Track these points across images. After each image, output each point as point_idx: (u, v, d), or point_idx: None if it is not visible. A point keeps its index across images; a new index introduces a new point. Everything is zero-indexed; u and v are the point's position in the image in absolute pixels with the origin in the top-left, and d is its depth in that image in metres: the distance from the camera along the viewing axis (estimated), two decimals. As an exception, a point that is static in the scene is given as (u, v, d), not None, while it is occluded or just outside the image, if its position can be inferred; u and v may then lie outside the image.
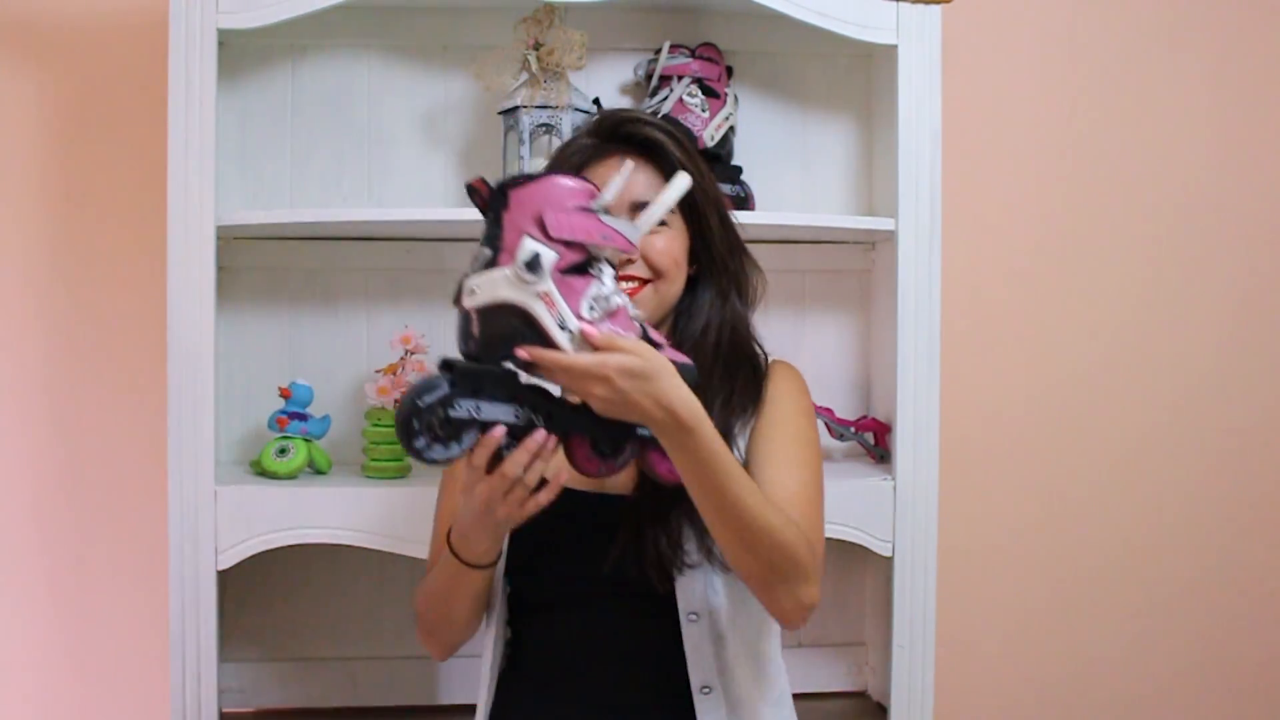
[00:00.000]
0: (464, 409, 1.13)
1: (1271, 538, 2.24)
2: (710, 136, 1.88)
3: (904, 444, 1.82)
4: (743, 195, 1.91)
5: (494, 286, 1.13)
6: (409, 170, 1.93)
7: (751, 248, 1.45)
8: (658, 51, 1.89)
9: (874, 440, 1.94)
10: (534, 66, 1.78)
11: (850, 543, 1.82)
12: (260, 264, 1.91)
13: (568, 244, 1.13)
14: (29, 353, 1.97)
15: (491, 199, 1.14)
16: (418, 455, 1.13)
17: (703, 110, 1.88)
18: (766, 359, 1.45)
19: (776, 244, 1.97)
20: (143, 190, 1.92)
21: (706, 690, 1.32)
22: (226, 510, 1.69)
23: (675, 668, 1.33)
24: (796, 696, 1.51)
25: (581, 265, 1.15)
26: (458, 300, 1.15)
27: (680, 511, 1.29)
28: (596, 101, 1.86)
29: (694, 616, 1.31)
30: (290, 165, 1.92)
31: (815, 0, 1.78)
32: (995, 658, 2.18)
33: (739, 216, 1.80)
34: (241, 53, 1.86)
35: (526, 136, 1.77)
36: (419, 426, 1.12)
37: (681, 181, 1.21)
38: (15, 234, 1.96)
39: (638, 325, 1.19)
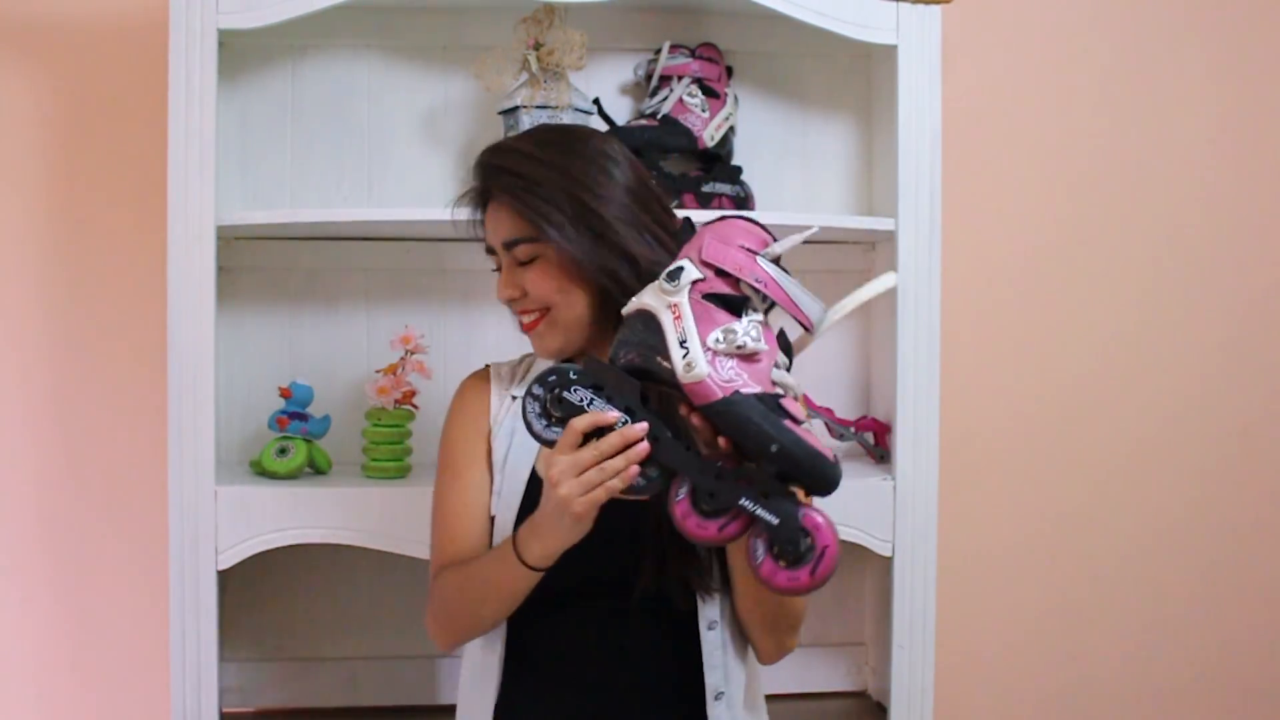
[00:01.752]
0: (578, 396, 1.15)
1: (1274, 540, 2.24)
2: (710, 136, 1.88)
3: (904, 444, 1.82)
4: (743, 195, 1.91)
5: (642, 295, 1.17)
6: (409, 170, 1.93)
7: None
8: (658, 51, 1.89)
9: (874, 440, 1.94)
10: (534, 66, 1.78)
11: (850, 543, 1.81)
12: (260, 264, 1.91)
13: (719, 273, 1.14)
14: (30, 353, 1.97)
15: (682, 230, 1.19)
16: (527, 423, 1.18)
17: (703, 110, 1.88)
18: None
19: (776, 244, 1.97)
20: (143, 190, 1.92)
21: (719, 695, 1.32)
22: (226, 510, 1.69)
23: (688, 673, 1.33)
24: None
25: (733, 302, 1.14)
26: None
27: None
28: (596, 101, 1.86)
29: (713, 625, 1.33)
30: (290, 165, 1.92)
31: (815, 0, 1.78)
32: (995, 658, 2.18)
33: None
34: (241, 53, 1.86)
35: (526, 136, 1.77)
36: (537, 394, 1.17)
37: (884, 281, 1.20)
38: (15, 234, 1.96)
39: (776, 385, 1.12)
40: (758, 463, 1.10)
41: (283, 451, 1.78)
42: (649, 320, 1.15)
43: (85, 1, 1.94)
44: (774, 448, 1.07)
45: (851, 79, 2.01)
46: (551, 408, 1.16)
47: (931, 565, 1.83)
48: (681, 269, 1.14)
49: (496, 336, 1.91)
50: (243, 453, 1.89)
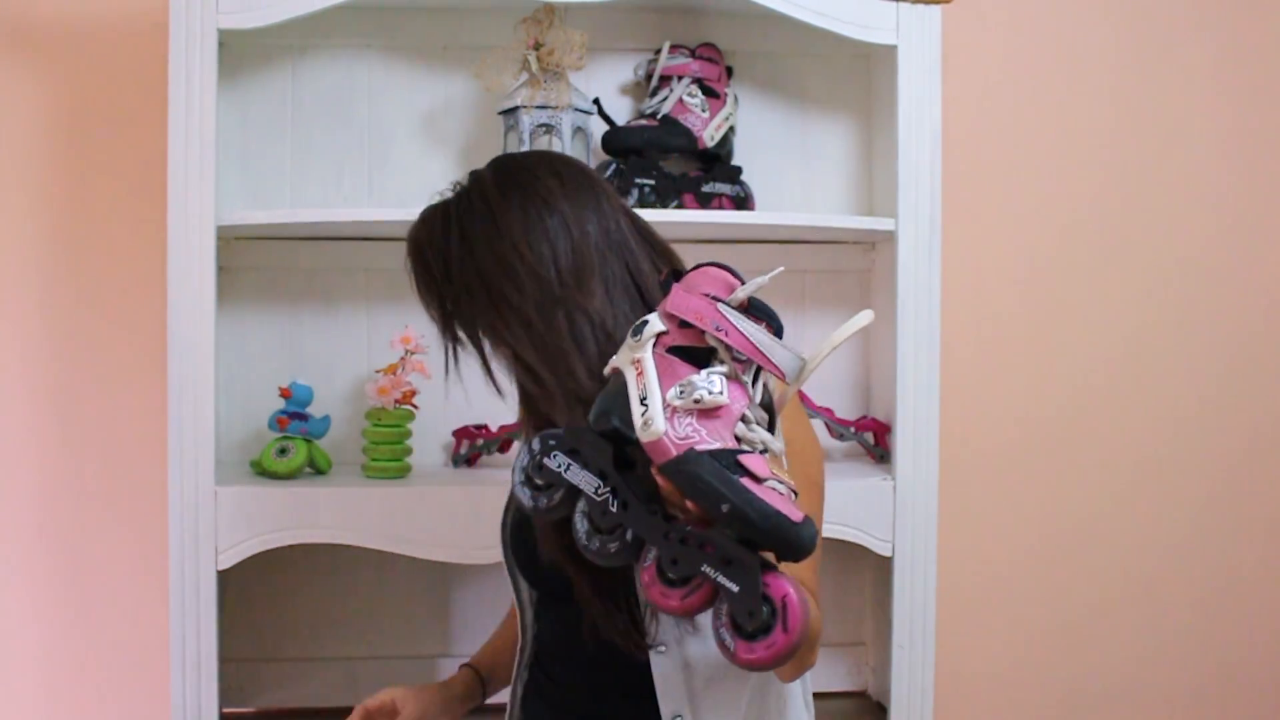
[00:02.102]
0: (556, 462, 1.11)
1: (1272, 540, 2.25)
2: (710, 136, 1.88)
3: (904, 444, 1.82)
4: (743, 195, 1.91)
5: (618, 354, 1.12)
6: (409, 170, 1.93)
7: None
8: (658, 51, 1.89)
9: (874, 440, 1.94)
10: (534, 66, 1.78)
11: (850, 543, 1.82)
12: (260, 264, 1.91)
13: (681, 325, 1.08)
14: (30, 353, 1.97)
15: (664, 283, 1.13)
16: (516, 488, 1.13)
17: (703, 110, 1.88)
18: None
19: (777, 244, 1.97)
20: (143, 190, 1.92)
21: (678, 719, 1.29)
22: (226, 510, 1.69)
23: (645, 695, 1.30)
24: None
25: (698, 355, 1.08)
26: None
27: (630, 589, 1.23)
28: (596, 101, 1.87)
29: (662, 648, 1.29)
30: (290, 165, 1.92)
31: (815, 0, 1.78)
32: (995, 658, 2.18)
33: (739, 217, 1.82)
34: (241, 53, 1.86)
35: (526, 137, 1.77)
36: (525, 458, 1.13)
37: (860, 320, 1.10)
38: (16, 234, 1.96)
39: (741, 441, 1.05)
40: (717, 524, 1.04)
41: (283, 451, 1.78)
42: (619, 378, 1.11)
43: (85, 2, 1.94)
44: (724, 507, 1.01)
45: (851, 79, 2.01)
46: (533, 474, 1.13)
47: (931, 565, 1.83)
48: (645, 323, 1.09)
49: (496, 336, 1.91)
50: (243, 453, 1.89)
